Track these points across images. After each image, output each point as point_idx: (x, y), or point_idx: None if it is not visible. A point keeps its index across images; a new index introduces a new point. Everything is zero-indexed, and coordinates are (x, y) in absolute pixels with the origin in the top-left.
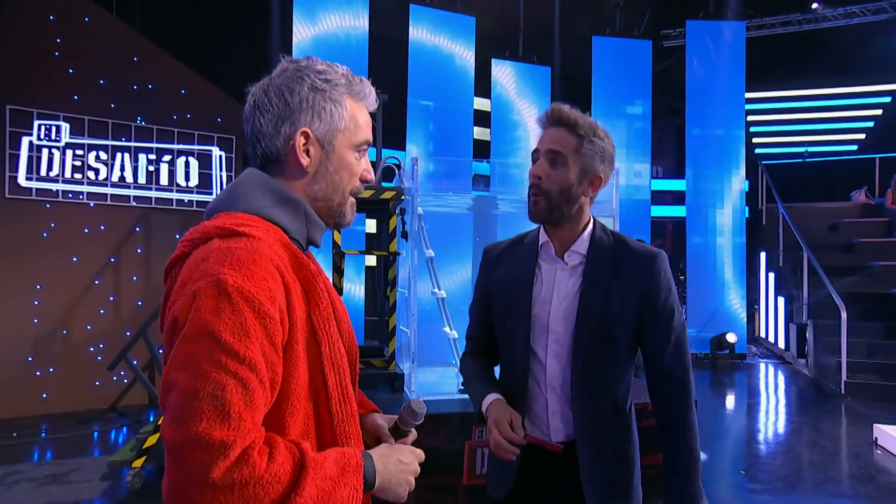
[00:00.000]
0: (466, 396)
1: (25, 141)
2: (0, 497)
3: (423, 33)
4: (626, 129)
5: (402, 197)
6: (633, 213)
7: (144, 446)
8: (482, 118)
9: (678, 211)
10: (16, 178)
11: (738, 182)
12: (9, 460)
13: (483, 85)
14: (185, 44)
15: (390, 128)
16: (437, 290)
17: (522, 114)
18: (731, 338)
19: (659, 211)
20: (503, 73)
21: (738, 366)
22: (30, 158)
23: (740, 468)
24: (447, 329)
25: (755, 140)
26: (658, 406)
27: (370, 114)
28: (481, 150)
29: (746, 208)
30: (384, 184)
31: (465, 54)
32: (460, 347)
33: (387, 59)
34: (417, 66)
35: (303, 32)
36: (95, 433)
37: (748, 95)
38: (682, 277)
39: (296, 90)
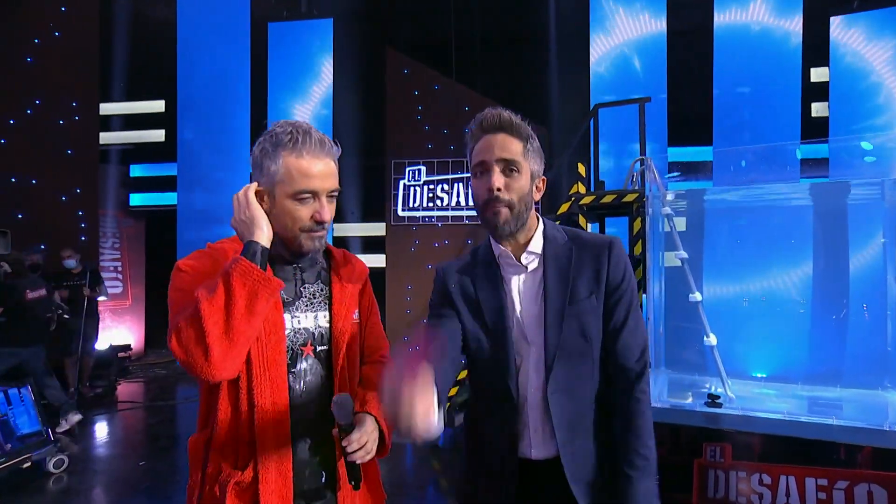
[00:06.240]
0: (700, 410)
1: (401, 184)
2: None
3: (731, 15)
4: None
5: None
6: None
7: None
8: (817, 91)
9: None
10: (396, 210)
11: None
12: None
13: (817, 52)
14: (500, 89)
15: (690, 123)
16: (692, 295)
17: (882, 74)
18: None
19: None
20: (847, 30)
21: None
22: (403, 196)
23: None
24: (705, 337)
25: None
26: (613, 394)
27: (335, 161)
28: (818, 129)
29: None
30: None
31: (787, 24)
32: (718, 354)
33: (688, 52)
34: (725, 51)
35: (599, 49)
36: None
37: None
38: None
39: (254, 153)
